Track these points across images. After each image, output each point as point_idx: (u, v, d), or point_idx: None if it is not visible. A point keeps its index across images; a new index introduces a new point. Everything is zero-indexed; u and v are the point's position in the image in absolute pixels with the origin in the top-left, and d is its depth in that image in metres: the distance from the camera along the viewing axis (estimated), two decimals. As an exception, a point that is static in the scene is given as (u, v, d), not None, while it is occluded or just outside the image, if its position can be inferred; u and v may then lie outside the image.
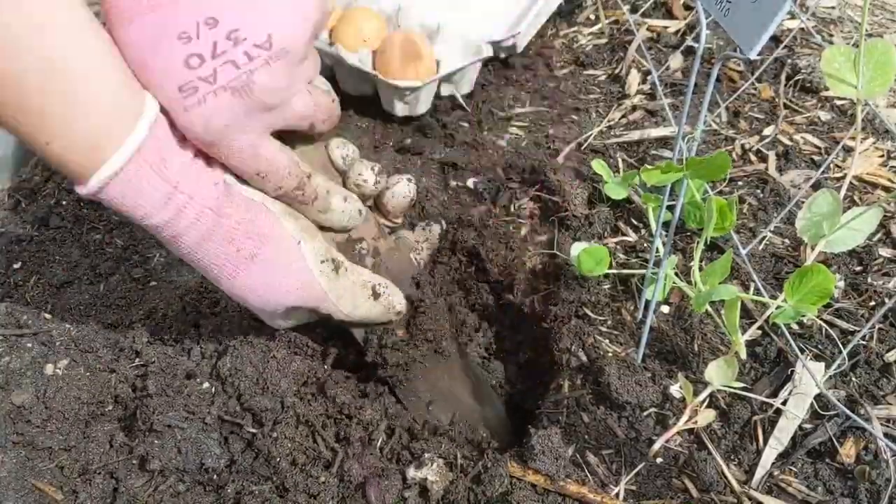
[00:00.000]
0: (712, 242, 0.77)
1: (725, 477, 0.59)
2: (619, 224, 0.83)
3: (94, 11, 0.47)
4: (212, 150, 0.51)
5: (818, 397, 0.62)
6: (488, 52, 1.03)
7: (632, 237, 0.82)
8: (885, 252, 0.75)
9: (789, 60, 1.04)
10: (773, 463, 0.60)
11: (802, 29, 1.08)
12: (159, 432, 0.62)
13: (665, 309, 0.72)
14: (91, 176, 0.47)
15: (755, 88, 1.02)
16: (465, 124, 1.04)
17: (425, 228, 0.77)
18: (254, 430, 0.63)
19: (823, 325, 0.68)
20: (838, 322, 0.69)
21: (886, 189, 0.83)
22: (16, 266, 0.82)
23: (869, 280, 0.72)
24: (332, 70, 1.05)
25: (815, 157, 0.89)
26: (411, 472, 0.60)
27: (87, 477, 0.63)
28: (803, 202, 0.65)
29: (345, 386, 0.71)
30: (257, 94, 0.48)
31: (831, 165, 0.87)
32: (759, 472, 0.59)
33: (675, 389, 0.64)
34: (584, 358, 0.68)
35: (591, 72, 1.14)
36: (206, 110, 0.48)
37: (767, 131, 0.94)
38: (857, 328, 0.68)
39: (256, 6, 0.48)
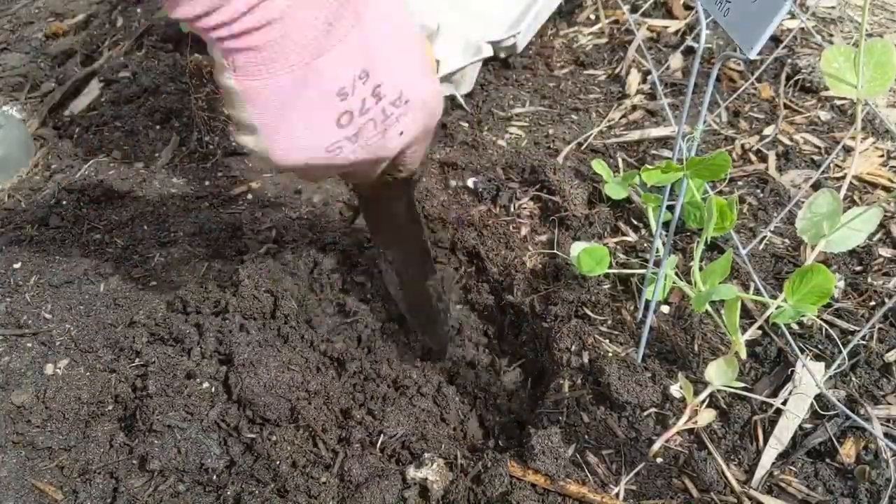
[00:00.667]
0: (712, 242, 0.77)
1: (725, 477, 0.59)
2: (619, 224, 0.83)
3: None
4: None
5: (818, 397, 0.62)
6: (488, 52, 1.03)
7: (632, 237, 0.81)
8: (885, 252, 0.75)
9: (789, 60, 1.04)
10: (773, 463, 0.60)
11: (802, 29, 1.08)
12: (159, 433, 0.63)
13: (665, 309, 0.72)
14: None
15: (755, 88, 1.02)
16: (465, 124, 1.03)
17: None
18: (253, 435, 0.63)
19: (823, 325, 0.68)
20: (838, 322, 0.69)
21: (886, 189, 0.83)
22: (16, 266, 0.82)
23: (869, 280, 0.72)
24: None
25: (815, 157, 0.89)
26: (411, 472, 0.60)
27: (87, 477, 0.63)
28: (803, 202, 0.65)
29: (344, 385, 0.71)
30: (389, 152, 0.52)
31: (831, 165, 0.87)
32: (759, 472, 0.59)
33: (675, 389, 0.64)
34: (585, 358, 0.68)
35: (591, 72, 1.14)
36: (345, 166, 0.51)
37: (767, 131, 0.94)
38: (857, 328, 0.68)
39: (394, 62, 0.48)
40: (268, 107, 0.45)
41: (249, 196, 0.95)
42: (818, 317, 0.69)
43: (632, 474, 0.60)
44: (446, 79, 1.03)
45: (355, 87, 0.46)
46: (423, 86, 0.51)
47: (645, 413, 0.63)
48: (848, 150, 0.90)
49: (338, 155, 0.49)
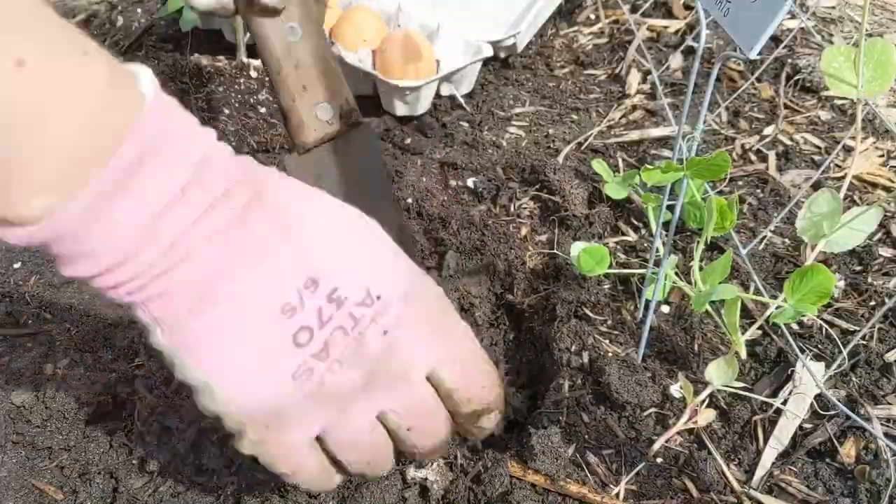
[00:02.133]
0: (712, 242, 0.77)
1: (725, 477, 0.59)
2: (619, 224, 0.83)
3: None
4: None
5: (818, 397, 0.62)
6: (488, 51, 1.03)
7: (632, 237, 0.81)
8: (885, 252, 0.75)
9: (789, 60, 1.04)
10: (773, 463, 0.60)
11: (802, 29, 1.08)
12: (158, 433, 0.63)
13: (665, 309, 0.72)
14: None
15: (755, 88, 1.02)
16: (465, 124, 1.03)
17: None
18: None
19: (823, 324, 0.68)
20: (838, 322, 0.69)
21: (886, 189, 0.83)
22: (16, 266, 0.82)
23: (869, 280, 0.72)
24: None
25: (816, 157, 0.89)
26: (411, 472, 0.60)
27: (87, 477, 0.63)
28: (803, 202, 0.65)
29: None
30: (376, 358, 0.42)
31: (831, 165, 0.87)
32: (759, 472, 0.59)
33: (675, 389, 0.64)
34: (584, 358, 0.68)
35: (591, 71, 1.14)
36: (327, 392, 0.40)
37: (767, 131, 0.94)
38: (858, 328, 0.68)
39: (346, 261, 0.41)
40: (207, 353, 0.38)
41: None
42: (818, 317, 0.69)
43: (632, 474, 0.60)
44: (446, 78, 1.03)
45: (303, 298, 0.39)
46: (396, 275, 0.43)
47: (645, 413, 0.63)
48: (848, 150, 0.90)
49: (310, 379, 0.40)
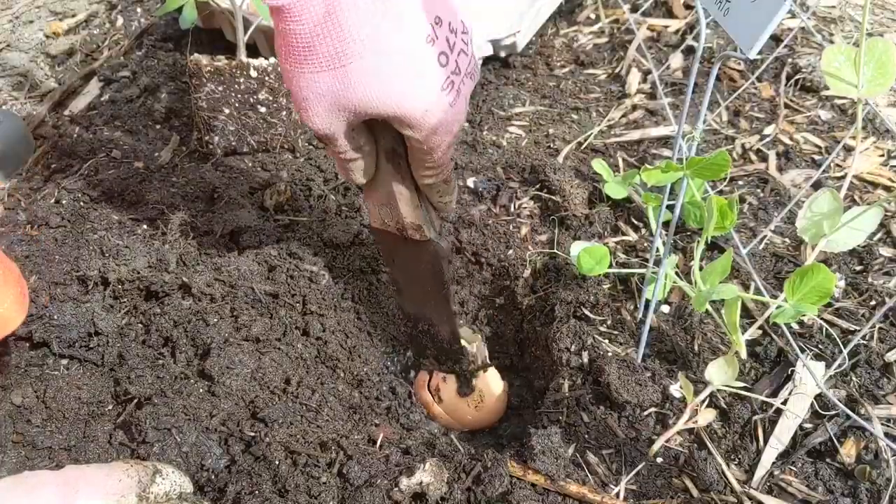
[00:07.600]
0: (712, 242, 0.77)
1: (725, 476, 0.59)
2: (619, 223, 0.83)
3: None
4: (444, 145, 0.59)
5: (818, 397, 0.62)
6: (488, 50, 1.03)
7: (632, 237, 0.81)
8: (885, 252, 0.75)
9: (790, 60, 1.04)
10: (774, 462, 0.60)
11: (803, 28, 1.08)
12: (159, 433, 0.62)
13: (665, 309, 0.72)
14: None
15: (755, 88, 1.02)
16: (466, 124, 1.03)
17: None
18: (253, 434, 0.63)
19: (824, 324, 0.68)
20: (839, 321, 0.69)
21: (887, 188, 0.83)
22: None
23: (869, 279, 0.72)
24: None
25: (816, 157, 0.89)
26: (412, 472, 0.60)
27: (87, 477, 0.63)
28: (804, 202, 0.65)
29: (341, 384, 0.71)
30: (477, 74, 0.59)
31: (832, 165, 0.87)
32: (760, 472, 0.59)
33: (675, 389, 0.64)
34: (584, 358, 0.68)
35: (591, 71, 1.13)
36: (461, 101, 0.56)
37: (768, 130, 0.94)
38: (858, 328, 0.68)
39: (442, 5, 0.55)
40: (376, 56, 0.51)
41: (250, 196, 0.94)
42: (818, 316, 0.69)
43: (632, 474, 0.60)
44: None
45: (436, 31, 0.53)
46: (455, 9, 0.58)
47: (645, 413, 0.63)
48: (848, 150, 0.90)
49: (452, 90, 0.54)
